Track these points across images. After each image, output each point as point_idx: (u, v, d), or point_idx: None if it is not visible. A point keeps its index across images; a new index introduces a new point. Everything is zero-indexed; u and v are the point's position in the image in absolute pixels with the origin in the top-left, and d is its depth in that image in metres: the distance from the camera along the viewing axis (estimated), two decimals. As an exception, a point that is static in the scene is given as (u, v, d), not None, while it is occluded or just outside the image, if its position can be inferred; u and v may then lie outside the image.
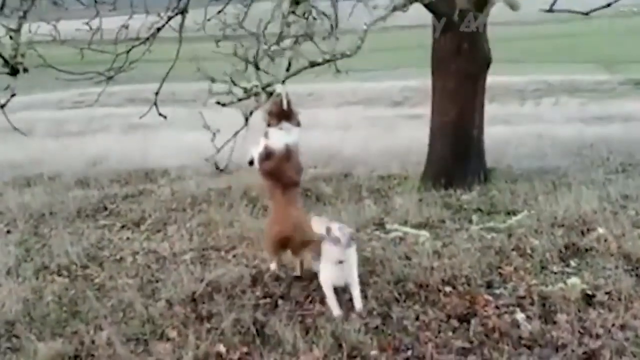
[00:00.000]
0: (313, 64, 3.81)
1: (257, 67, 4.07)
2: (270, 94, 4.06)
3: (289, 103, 4.45)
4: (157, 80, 5.13)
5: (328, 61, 3.85)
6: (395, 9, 4.01)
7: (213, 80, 4.09)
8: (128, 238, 6.04)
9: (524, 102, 16.66)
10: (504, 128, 10.88)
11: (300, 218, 4.57)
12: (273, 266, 4.84)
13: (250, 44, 4.18)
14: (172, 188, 7.64)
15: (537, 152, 8.71)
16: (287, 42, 3.95)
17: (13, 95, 3.65)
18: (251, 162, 4.79)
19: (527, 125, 11.95)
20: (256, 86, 3.81)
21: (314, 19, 4.75)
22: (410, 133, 10.11)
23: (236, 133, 4.29)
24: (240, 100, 3.95)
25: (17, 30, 3.65)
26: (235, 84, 3.87)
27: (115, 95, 20.21)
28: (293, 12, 3.92)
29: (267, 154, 4.55)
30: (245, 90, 3.81)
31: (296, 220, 4.49)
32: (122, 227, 6.42)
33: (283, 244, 4.57)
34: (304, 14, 4.02)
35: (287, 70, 3.90)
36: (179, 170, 8.52)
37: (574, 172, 7.43)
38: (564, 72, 21.75)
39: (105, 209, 7.09)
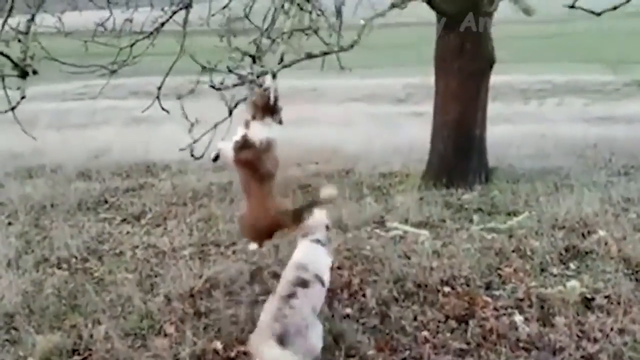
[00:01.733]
0: (309, 56, 3.80)
1: (253, 58, 4.05)
2: (259, 86, 4.02)
3: (275, 98, 4.37)
4: (161, 74, 5.11)
5: (325, 54, 3.83)
6: (393, 6, 4.00)
7: (204, 68, 4.02)
8: (128, 232, 6.04)
9: (527, 101, 16.59)
10: (507, 127, 10.86)
11: (280, 208, 4.48)
12: (253, 246, 4.64)
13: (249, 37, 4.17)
14: (173, 182, 7.64)
15: (540, 152, 8.69)
16: (283, 35, 3.93)
17: (23, 97, 3.66)
18: (216, 158, 4.53)
19: (530, 125, 11.93)
20: (251, 74, 3.78)
21: (318, 14, 4.75)
22: (412, 130, 10.11)
23: (216, 124, 4.27)
24: (234, 85, 3.91)
25: (26, 33, 3.65)
26: (231, 71, 3.83)
27: (119, 88, 20.19)
28: (283, 6, 3.89)
29: (245, 144, 4.43)
30: (240, 76, 3.77)
31: (276, 212, 4.42)
32: (123, 220, 6.43)
33: (267, 234, 4.49)
34: (301, 8, 3.99)
35: (280, 62, 3.88)
36: (181, 164, 8.51)
37: (576, 173, 7.41)
38: (568, 72, 21.67)
39: (106, 202, 7.10)
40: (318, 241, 3.93)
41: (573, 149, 8.94)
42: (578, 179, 7.04)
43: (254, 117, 4.34)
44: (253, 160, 4.30)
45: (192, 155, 4.40)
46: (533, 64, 22.30)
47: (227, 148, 4.39)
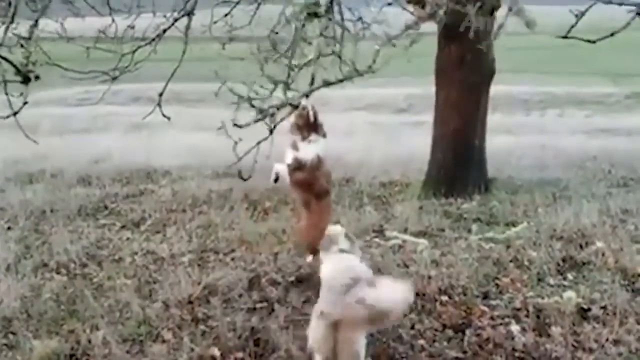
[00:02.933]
0: (327, 83, 3.81)
1: (286, 86, 3.99)
2: (295, 107, 4.05)
3: (315, 115, 4.54)
4: (162, 80, 5.13)
5: (341, 81, 3.85)
6: (407, 28, 4.03)
7: (240, 97, 3.91)
8: (127, 238, 6.05)
9: (529, 112, 16.62)
10: (507, 138, 10.88)
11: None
12: (309, 258, 4.89)
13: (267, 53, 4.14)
14: (173, 188, 7.66)
15: (539, 163, 8.71)
16: (310, 56, 3.93)
17: (25, 102, 3.68)
18: (276, 180, 4.91)
19: (530, 136, 11.95)
20: (272, 107, 3.74)
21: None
22: (413, 140, 10.13)
23: (259, 142, 4.25)
24: (256, 121, 3.90)
25: (29, 39, 3.68)
26: (253, 106, 3.81)
27: (120, 93, 20.26)
28: (304, 25, 3.90)
29: (299, 165, 4.62)
30: (261, 110, 3.77)
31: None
32: (122, 227, 6.44)
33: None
34: (321, 34, 3.99)
35: (311, 84, 3.88)
36: (181, 170, 8.54)
37: (575, 184, 7.43)
38: (569, 83, 21.71)
39: (106, 208, 7.12)
40: (342, 251, 3.88)
41: (573, 161, 8.96)
42: (577, 191, 7.07)
43: (302, 137, 4.49)
44: (308, 180, 4.52)
45: (241, 177, 4.34)
46: (534, 75, 22.34)
47: (283, 170, 4.64)
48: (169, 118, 5.23)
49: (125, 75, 5.15)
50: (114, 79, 5.13)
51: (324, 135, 4.70)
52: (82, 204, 7.14)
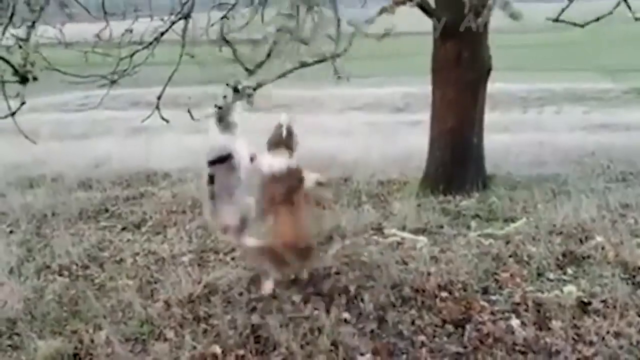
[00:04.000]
0: (303, 64, 3.85)
1: (247, 71, 4.09)
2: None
3: (289, 133, 4.57)
4: (161, 83, 5.17)
5: (318, 62, 3.88)
6: (382, 11, 4.07)
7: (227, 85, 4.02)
8: (128, 240, 6.08)
9: (526, 110, 16.63)
10: (505, 135, 10.88)
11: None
12: None
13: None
14: (173, 191, 7.66)
15: (538, 159, 8.71)
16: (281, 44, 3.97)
17: (23, 103, 3.70)
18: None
19: (528, 133, 11.94)
20: (249, 87, 3.82)
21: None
22: (411, 139, 10.14)
23: None
24: (233, 102, 3.96)
25: (26, 40, 3.70)
26: (229, 85, 3.88)
27: (119, 98, 20.22)
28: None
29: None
30: (236, 90, 3.81)
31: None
32: (123, 229, 6.46)
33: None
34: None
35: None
36: (180, 172, 8.54)
37: (574, 180, 7.43)
38: (567, 80, 21.69)
39: (107, 210, 7.13)
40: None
41: (571, 157, 8.96)
42: (576, 186, 7.07)
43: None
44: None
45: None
46: (531, 73, 22.33)
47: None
48: (167, 121, 5.29)
49: (124, 80, 5.18)
50: (113, 82, 5.18)
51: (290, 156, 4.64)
52: (83, 207, 7.15)
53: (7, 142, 10.08)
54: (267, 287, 4.60)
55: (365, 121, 14.85)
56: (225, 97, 4.19)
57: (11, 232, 6.45)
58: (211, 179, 4.46)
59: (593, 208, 6.02)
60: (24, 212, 6.96)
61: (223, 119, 4.38)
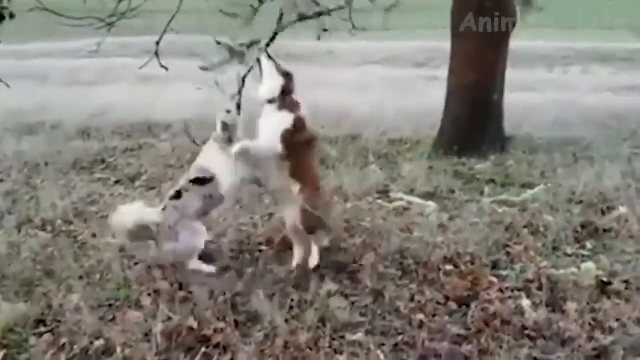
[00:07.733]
0: (302, 17, 3.49)
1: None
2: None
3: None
4: (176, 32, 4.88)
5: (319, 14, 3.53)
6: None
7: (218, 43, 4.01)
8: (120, 194, 5.78)
9: (551, 69, 15.96)
10: (527, 95, 10.35)
11: None
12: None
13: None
14: (173, 143, 7.36)
15: (561, 121, 8.20)
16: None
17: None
18: None
19: (552, 93, 11.39)
20: (241, 45, 3.51)
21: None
22: (429, 95, 9.64)
23: None
24: (227, 62, 3.69)
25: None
26: (219, 43, 3.59)
27: (132, 46, 19.84)
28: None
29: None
30: (231, 50, 3.51)
31: None
32: (117, 182, 6.20)
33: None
34: None
35: (280, 21, 3.58)
36: (183, 124, 8.19)
37: (598, 144, 6.99)
38: (594, 39, 20.86)
39: (103, 162, 6.86)
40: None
41: (596, 119, 8.43)
42: (599, 151, 6.63)
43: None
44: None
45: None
46: (557, 31, 21.48)
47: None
48: (166, 68, 5.11)
49: (139, 27, 4.98)
50: (110, 25, 5.02)
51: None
52: (78, 157, 6.90)
53: (12, 88, 9.79)
54: (315, 256, 4.16)
55: (383, 76, 14.33)
56: (229, 111, 4.27)
57: (1, 180, 6.18)
58: (178, 194, 4.23)
59: (617, 175, 5.64)
60: (17, 160, 6.71)
61: (227, 129, 4.31)
